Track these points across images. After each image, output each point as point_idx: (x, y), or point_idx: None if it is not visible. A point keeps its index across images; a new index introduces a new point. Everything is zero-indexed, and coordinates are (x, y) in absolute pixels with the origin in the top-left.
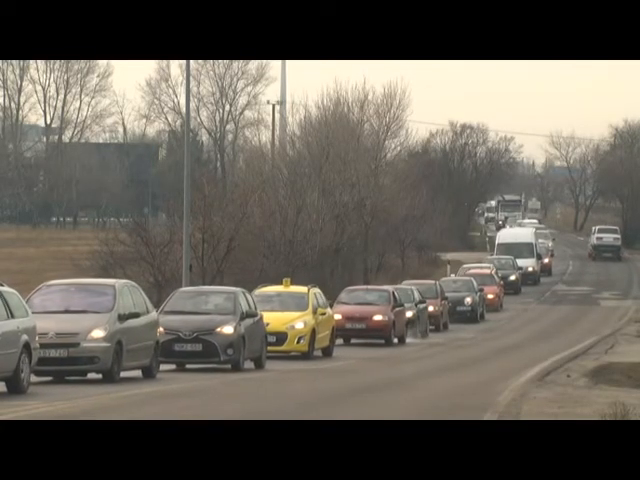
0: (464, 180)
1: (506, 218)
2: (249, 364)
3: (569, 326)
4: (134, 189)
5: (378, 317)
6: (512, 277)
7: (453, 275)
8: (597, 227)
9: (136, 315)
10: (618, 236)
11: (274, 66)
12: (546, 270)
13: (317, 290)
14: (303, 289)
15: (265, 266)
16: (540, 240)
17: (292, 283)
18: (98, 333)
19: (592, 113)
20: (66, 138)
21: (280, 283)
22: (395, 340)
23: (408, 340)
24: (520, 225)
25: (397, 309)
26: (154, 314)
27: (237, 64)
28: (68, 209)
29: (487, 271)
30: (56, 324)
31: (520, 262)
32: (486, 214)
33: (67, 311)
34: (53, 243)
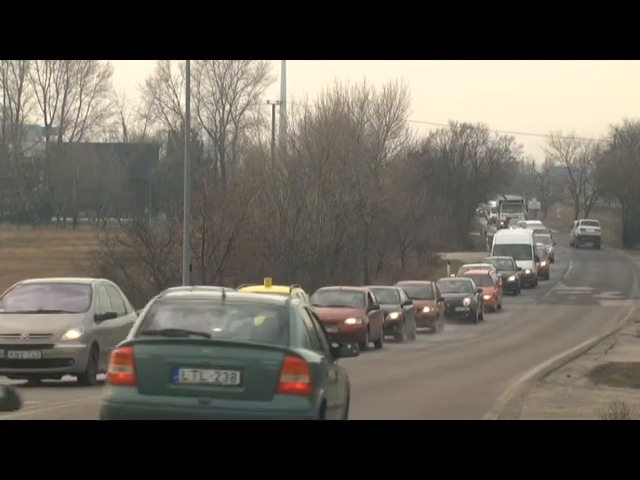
0: (464, 180)
1: (508, 219)
2: None
3: (569, 326)
4: (134, 189)
5: (351, 320)
6: (511, 278)
7: (453, 275)
8: (580, 220)
9: (113, 315)
10: (599, 228)
11: (274, 66)
12: (543, 274)
13: (300, 290)
14: (285, 289)
15: (265, 266)
16: (539, 243)
17: (292, 283)
18: (73, 334)
19: (592, 113)
20: (66, 138)
21: (281, 283)
22: (371, 345)
23: (386, 345)
24: (523, 226)
25: (373, 311)
26: (133, 314)
27: (237, 64)
28: (68, 209)
29: (484, 272)
30: (29, 325)
31: (517, 264)
32: (491, 214)
33: (41, 311)
34: (53, 243)
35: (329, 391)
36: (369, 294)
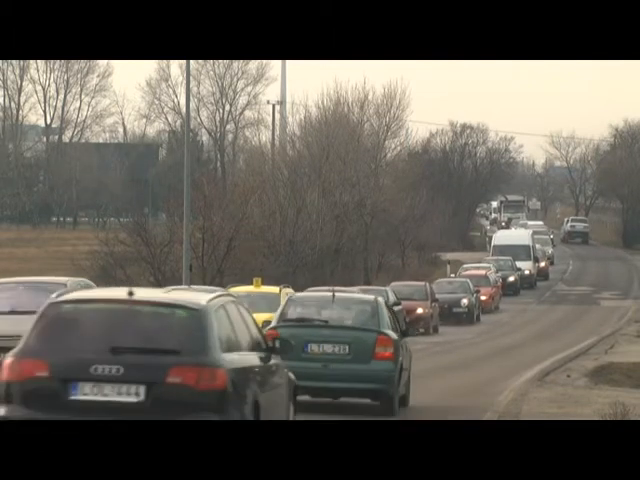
0: (464, 180)
1: (510, 219)
2: None
3: (569, 326)
4: (134, 189)
5: None
6: (511, 278)
7: (453, 275)
8: (570, 217)
9: None
10: (587, 225)
11: (274, 66)
12: (543, 274)
13: (290, 290)
14: (274, 289)
15: (265, 266)
16: (537, 245)
17: (292, 283)
18: None
19: (592, 113)
20: (66, 138)
21: (282, 283)
22: None
23: None
24: (525, 227)
25: None
26: None
27: (237, 64)
28: (68, 209)
29: (482, 272)
30: (0, 326)
31: (516, 264)
32: (492, 215)
33: (13, 312)
34: (53, 243)
35: (403, 358)
36: None
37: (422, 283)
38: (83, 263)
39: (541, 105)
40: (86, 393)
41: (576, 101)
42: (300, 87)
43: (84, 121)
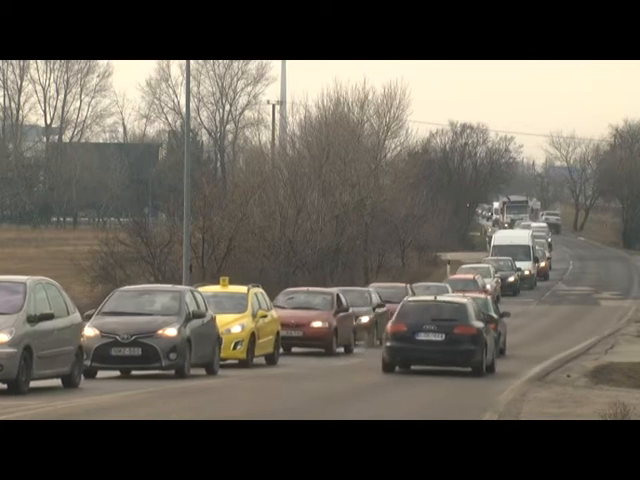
0: (464, 180)
1: (513, 220)
2: (199, 370)
3: (569, 326)
4: (134, 189)
5: (317, 324)
6: (511, 278)
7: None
8: (545, 211)
9: (50, 317)
10: (559, 218)
11: (274, 66)
12: (542, 274)
13: (259, 290)
14: (242, 289)
15: (265, 266)
16: (536, 248)
17: (292, 283)
18: (2, 337)
19: (592, 113)
20: (66, 138)
21: (282, 283)
22: (340, 349)
23: (357, 350)
24: (528, 228)
25: (341, 314)
26: (76, 316)
27: (237, 64)
28: (68, 209)
29: (469, 276)
30: None
31: (516, 264)
32: (494, 216)
33: None
34: (53, 243)
35: (501, 329)
36: (338, 296)
37: (402, 284)
38: (83, 263)
39: (541, 105)
40: (421, 337)
41: (576, 101)
42: (300, 87)
43: (84, 121)
